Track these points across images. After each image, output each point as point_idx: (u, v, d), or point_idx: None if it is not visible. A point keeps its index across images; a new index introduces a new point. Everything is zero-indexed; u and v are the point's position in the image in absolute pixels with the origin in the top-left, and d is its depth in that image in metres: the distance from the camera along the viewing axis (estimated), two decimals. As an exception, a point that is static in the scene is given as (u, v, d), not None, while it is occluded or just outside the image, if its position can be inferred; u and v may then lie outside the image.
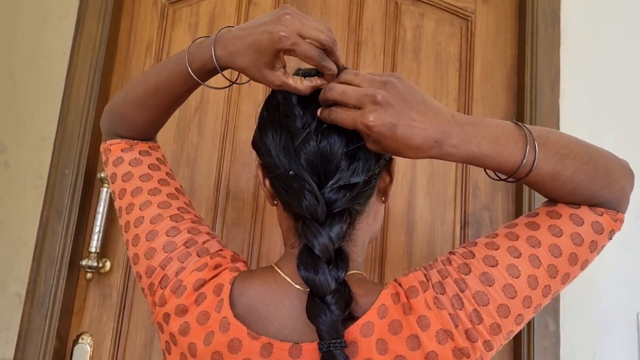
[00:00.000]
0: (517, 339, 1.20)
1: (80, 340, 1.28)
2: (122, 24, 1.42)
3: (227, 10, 1.41)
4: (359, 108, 0.60)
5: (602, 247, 0.68)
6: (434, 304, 0.61)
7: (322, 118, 0.64)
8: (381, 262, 1.29)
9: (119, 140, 0.79)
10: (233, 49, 0.64)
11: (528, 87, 1.29)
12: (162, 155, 0.81)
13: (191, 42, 0.70)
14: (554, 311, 1.18)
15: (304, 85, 0.64)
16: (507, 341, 0.64)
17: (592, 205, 0.67)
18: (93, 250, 1.27)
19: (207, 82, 0.71)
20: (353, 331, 0.60)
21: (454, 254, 0.65)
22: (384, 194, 0.73)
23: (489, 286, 0.61)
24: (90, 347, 1.27)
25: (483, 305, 0.60)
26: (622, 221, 0.68)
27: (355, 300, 0.62)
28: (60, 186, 1.28)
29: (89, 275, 1.28)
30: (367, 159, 0.65)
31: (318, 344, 0.58)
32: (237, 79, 0.71)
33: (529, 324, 1.18)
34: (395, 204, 1.31)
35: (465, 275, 0.62)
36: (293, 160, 0.63)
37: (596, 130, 1.27)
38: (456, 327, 0.60)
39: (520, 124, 0.64)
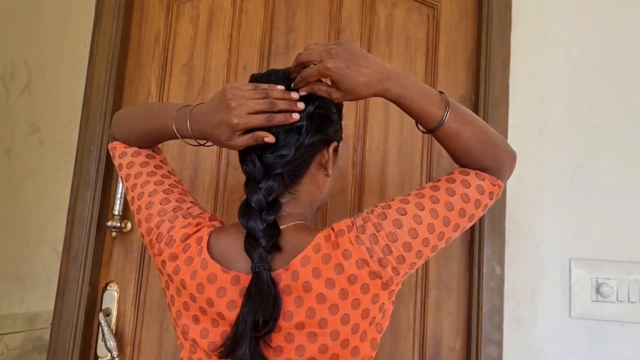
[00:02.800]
0: (471, 280, 1.44)
1: (108, 288, 1.54)
2: (133, 18, 1.64)
3: (223, 4, 1.62)
4: (320, 62, 0.83)
5: (485, 206, 0.89)
6: (355, 240, 0.83)
7: (296, 85, 0.87)
8: (358, 220, 1.52)
9: None
10: (203, 129, 0.86)
11: (483, 68, 1.49)
12: (158, 148, 1.05)
13: (177, 109, 0.90)
14: (500, 258, 1.41)
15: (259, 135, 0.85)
16: (412, 270, 0.86)
17: (480, 169, 0.89)
18: (116, 212, 1.52)
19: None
20: (295, 263, 0.83)
21: (377, 207, 0.87)
22: (325, 168, 0.94)
23: (399, 228, 0.83)
24: (117, 293, 1.53)
25: (393, 242, 0.82)
26: (500, 187, 0.90)
27: (289, 240, 0.86)
28: (87, 160, 1.53)
29: (113, 233, 1.53)
30: (298, 138, 0.87)
31: (250, 267, 0.81)
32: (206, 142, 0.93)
33: (479, 269, 1.41)
34: (370, 171, 1.53)
35: (382, 220, 0.84)
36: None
37: (542, 105, 1.47)
38: (371, 257, 0.82)
39: (442, 92, 0.86)
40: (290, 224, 0.89)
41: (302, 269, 0.82)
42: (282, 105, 0.85)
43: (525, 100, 1.47)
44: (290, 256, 0.84)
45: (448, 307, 1.47)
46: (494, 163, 0.89)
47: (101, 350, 1.50)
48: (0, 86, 1.46)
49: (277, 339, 0.82)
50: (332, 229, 0.86)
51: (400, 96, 0.84)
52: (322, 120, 0.91)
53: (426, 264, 1.47)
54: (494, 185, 0.90)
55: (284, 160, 0.87)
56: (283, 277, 0.83)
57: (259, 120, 0.84)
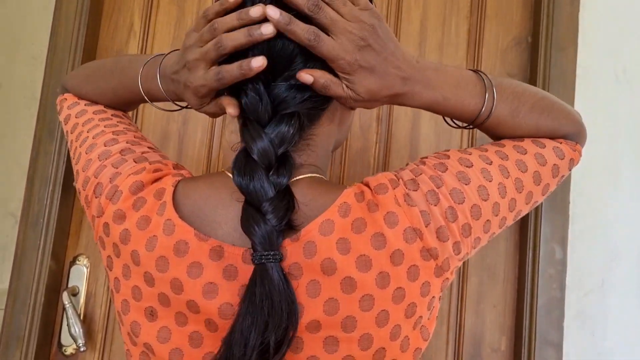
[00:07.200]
0: (522, 265, 1.15)
1: (76, 262, 1.27)
2: (114, -64, 1.35)
3: None
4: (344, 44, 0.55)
5: (562, 177, 0.69)
6: (404, 200, 0.57)
7: (303, 39, 0.55)
8: (382, 188, 1.24)
9: None
10: (174, 88, 0.63)
11: (545, 1, 1.19)
12: (123, 113, 0.80)
13: (147, 60, 0.69)
14: (562, 238, 1.12)
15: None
16: (474, 251, 0.61)
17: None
18: (87, 171, 1.24)
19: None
20: (311, 229, 0.55)
21: (427, 157, 0.62)
22: None
23: (466, 185, 0.59)
24: (87, 268, 1.26)
25: (459, 203, 0.58)
26: (580, 153, 0.71)
27: (299, 206, 0.57)
28: (52, 106, 1.25)
29: (83, 196, 1.26)
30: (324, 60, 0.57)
31: (251, 255, 0.54)
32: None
33: (535, 252, 1.13)
34: (398, 128, 1.24)
35: (442, 172, 0.59)
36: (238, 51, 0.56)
37: (619, 47, 1.17)
38: (427, 225, 0.56)
39: (475, 69, 0.66)
40: (300, 177, 0.60)
41: (321, 240, 0.55)
42: (235, 40, 0.55)
43: (599, 41, 1.17)
44: (302, 220, 0.56)
45: (492, 298, 1.19)
46: (571, 127, 0.70)
47: (65, 338, 1.24)
48: (-56, 9, 1.18)
49: None
50: (367, 185, 0.59)
51: (429, 102, 0.62)
52: None
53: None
54: (574, 151, 0.70)
55: (304, 94, 0.58)
56: (289, 251, 0.55)
57: (210, 79, 0.57)
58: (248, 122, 0.57)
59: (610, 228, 1.12)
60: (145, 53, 1.32)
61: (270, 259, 0.53)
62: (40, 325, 1.20)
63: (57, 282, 1.25)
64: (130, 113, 0.85)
